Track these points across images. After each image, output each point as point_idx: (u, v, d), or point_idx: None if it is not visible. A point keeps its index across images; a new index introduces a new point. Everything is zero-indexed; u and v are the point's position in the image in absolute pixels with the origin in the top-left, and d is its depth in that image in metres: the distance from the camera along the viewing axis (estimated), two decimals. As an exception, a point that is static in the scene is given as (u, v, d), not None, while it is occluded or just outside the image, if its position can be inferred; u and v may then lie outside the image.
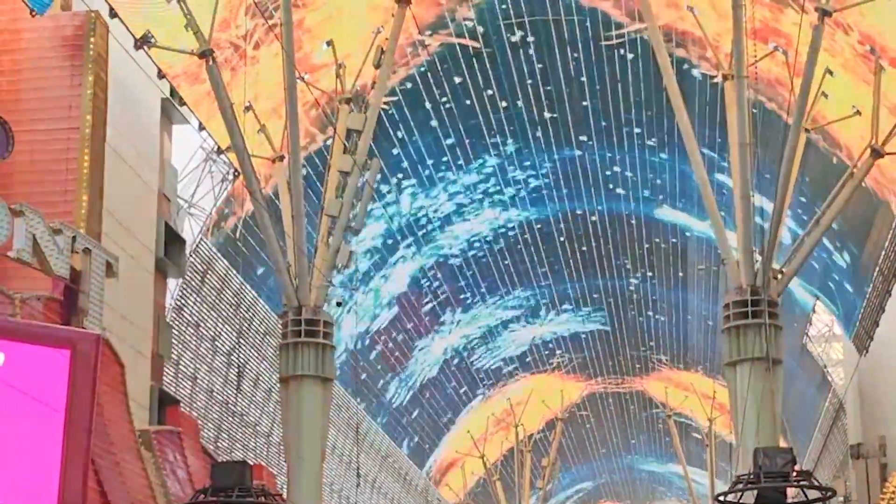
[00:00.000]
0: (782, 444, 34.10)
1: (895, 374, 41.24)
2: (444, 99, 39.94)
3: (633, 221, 48.72)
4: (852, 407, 46.74)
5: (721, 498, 23.48)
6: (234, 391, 39.94)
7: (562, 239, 50.07)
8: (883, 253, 37.84)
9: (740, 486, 21.93)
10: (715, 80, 35.05)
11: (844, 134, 34.21)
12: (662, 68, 30.25)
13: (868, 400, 44.42)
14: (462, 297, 53.25)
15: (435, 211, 46.12)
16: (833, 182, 31.69)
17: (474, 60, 38.17)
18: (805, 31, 28.24)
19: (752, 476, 21.59)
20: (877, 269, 39.10)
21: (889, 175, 34.13)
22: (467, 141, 42.47)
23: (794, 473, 21.32)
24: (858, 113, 32.12)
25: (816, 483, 22.04)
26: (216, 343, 38.74)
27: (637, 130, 41.99)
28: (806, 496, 22.44)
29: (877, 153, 29.99)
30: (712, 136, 37.66)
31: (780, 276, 28.76)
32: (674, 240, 49.69)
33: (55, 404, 19.33)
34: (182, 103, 31.90)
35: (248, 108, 31.82)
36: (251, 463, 30.34)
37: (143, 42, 28.06)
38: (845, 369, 49.72)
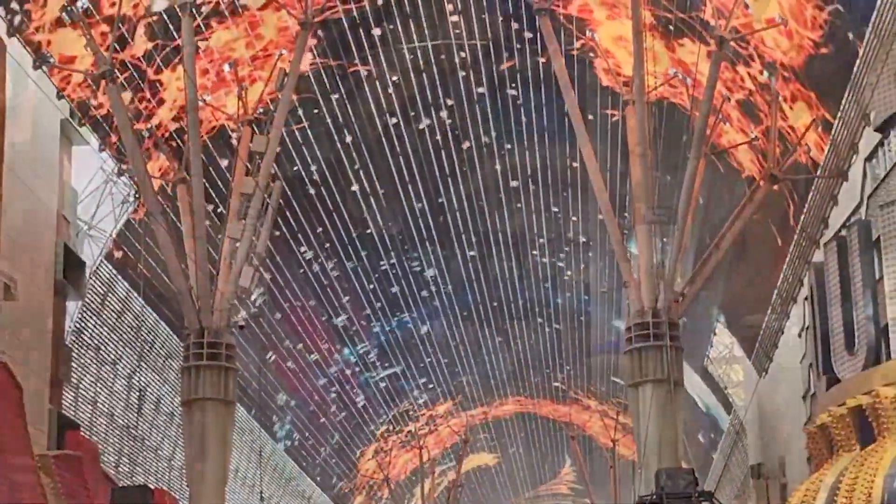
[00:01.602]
0: (684, 464, 34.70)
1: (793, 394, 42.03)
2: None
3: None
4: (752, 427, 47.36)
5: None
6: (136, 415, 39.61)
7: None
8: (781, 276, 38.59)
9: None
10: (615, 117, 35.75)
11: (746, 159, 34.95)
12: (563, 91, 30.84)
13: (768, 421, 45.06)
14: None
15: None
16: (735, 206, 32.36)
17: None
18: (705, 58, 28.95)
19: (654, 496, 22.06)
20: (775, 292, 39.88)
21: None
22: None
23: (696, 494, 21.77)
24: (757, 139, 32.81)
25: (718, 503, 22.46)
26: (117, 366, 38.38)
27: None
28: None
29: (774, 178, 30.68)
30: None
31: (681, 299, 29.33)
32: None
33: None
34: (82, 124, 31.64)
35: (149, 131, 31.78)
36: (152, 487, 30.36)
37: (42, 62, 27.90)
38: (745, 390, 50.55)
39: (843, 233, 32.69)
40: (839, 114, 29.68)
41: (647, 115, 29.52)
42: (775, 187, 31.32)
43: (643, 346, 28.64)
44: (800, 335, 40.45)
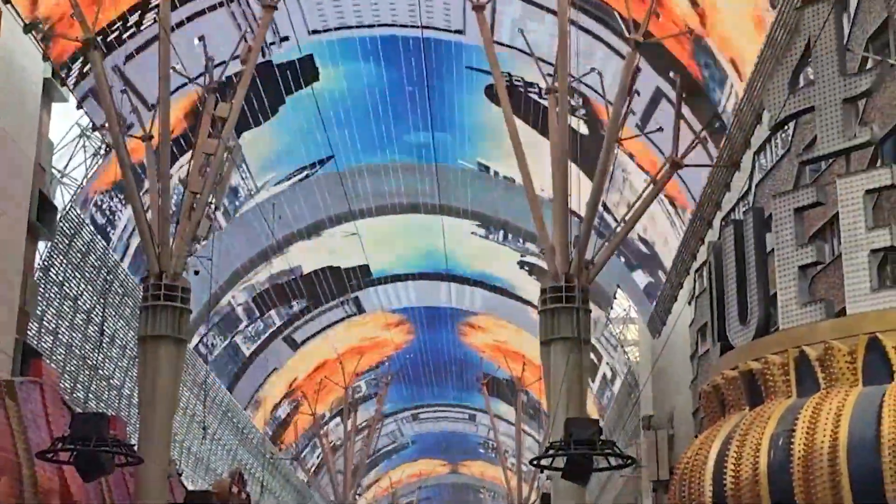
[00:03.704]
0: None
1: (682, 355, 43.67)
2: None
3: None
4: (645, 383, 48.49)
5: (535, 462, 24.54)
6: (93, 347, 40.11)
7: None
8: (677, 251, 40.06)
9: (552, 452, 22.80)
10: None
11: (653, 147, 36.08)
12: (495, 80, 31.74)
13: (659, 377, 46.44)
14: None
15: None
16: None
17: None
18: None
19: (562, 443, 22.36)
20: (671, 264, 41.36)
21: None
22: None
23: (600, 441, 22.14)
24: (661, 129, 33.95)
25: (619, 451, 22.99)
26: (78, 302, 39.06)
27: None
28: (609, 463, 23.76)
29: (676, 165, 31.62)
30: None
31: (590, 267, 29.75)
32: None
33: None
34: (63, 84, 32.31)
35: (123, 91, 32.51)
36: (105, 413, 30.59)
37: (31, 27, 28.50)
38: (640, 349, 51.96)
39: (737, 216, 34.25)
40: (735, 113, 31.04)
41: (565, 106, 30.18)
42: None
43: (556, 308, 29.08)
44: (689, 303, 42.20)
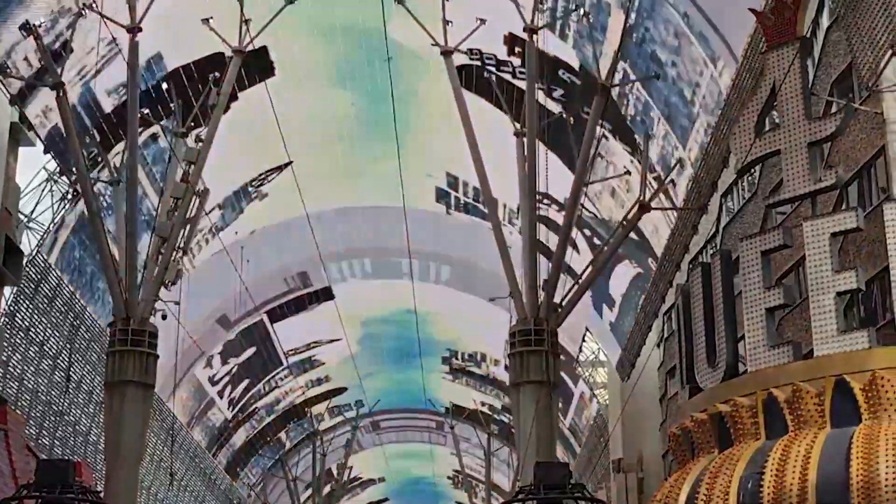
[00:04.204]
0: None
1: (651, 398, 43.71)
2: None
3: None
4: (615, 426, 48.43)
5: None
6: (59, 393, 39.78)
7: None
8: (645, 295, 40.15)
9: (521, 496, 22.58)
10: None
11: (621, 190, 36.23)
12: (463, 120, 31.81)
13: (628, 420, 46.30)
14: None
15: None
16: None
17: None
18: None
19: (532, 487, 22.12)
20: (639, 307, 41.45)
21: (650, 229, 36.35)
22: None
23: (570, 485, 21.89)
24: (628, 173, 34.13)
25: (589, 494, 22.85)
26: (44, 347, 38.78)
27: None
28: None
29: (644, 208, 31.26)
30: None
31: (559, 310, 29.68)
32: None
33: None
34: (30, 128, 32.22)
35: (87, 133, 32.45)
36: (71, 460, 30.28)
37: (1, 72, 28.51)
38: (609, 391, 51.92)
39: (704, 259, 34.40)
40: (703, 157, 31.25)
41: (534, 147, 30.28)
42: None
43: (525, 351, 29.03)
44: (658, 345, 42.30)
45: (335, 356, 61.94)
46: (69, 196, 35.03)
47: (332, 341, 59.99)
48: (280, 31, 33.96)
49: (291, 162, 42.83)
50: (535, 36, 30.58)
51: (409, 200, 46.14)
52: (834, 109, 25.02)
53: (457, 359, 63.61)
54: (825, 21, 27.13)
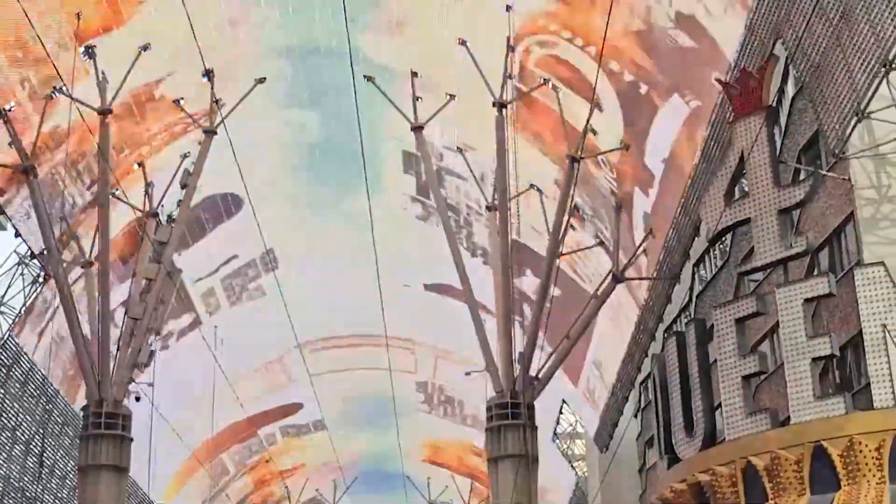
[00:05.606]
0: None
1: (629, 468, 43.53)
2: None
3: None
4: (594, 498, 48.19)
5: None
6: (32, 479, 39.25)
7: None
8: (621, 365, 40.09)
9: None
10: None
11: (594, 261, 36.19)
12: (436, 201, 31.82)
13: (608, 492, 46.14)
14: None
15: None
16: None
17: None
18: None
19: None
20: (617, 379, 41.31)
21: (626, 299, 36.36)
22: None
23: None
24: (602, 243, 34.17)
25: None
26: (16, 432, 38.29)
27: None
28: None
29: (617, 279, 31.50)
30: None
31: (536, 383, 29.51)
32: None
33: None
34: (1, 212, 32.05)
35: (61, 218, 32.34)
36: None
37: (-30, 156, 28.44)
38: (588, 462, 51.72)
39: (679, 327, 34.45)
40: (673, 226, 31.34)
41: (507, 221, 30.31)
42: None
43: (502, 425, 28.83)
44: (636, 415, 42.17)
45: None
46: (40, 279, 34.82)
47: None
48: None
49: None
50: (504, 110, 30.74)
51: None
52: (802, 177, 25.25)
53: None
54: (791, 89, 27.45)
